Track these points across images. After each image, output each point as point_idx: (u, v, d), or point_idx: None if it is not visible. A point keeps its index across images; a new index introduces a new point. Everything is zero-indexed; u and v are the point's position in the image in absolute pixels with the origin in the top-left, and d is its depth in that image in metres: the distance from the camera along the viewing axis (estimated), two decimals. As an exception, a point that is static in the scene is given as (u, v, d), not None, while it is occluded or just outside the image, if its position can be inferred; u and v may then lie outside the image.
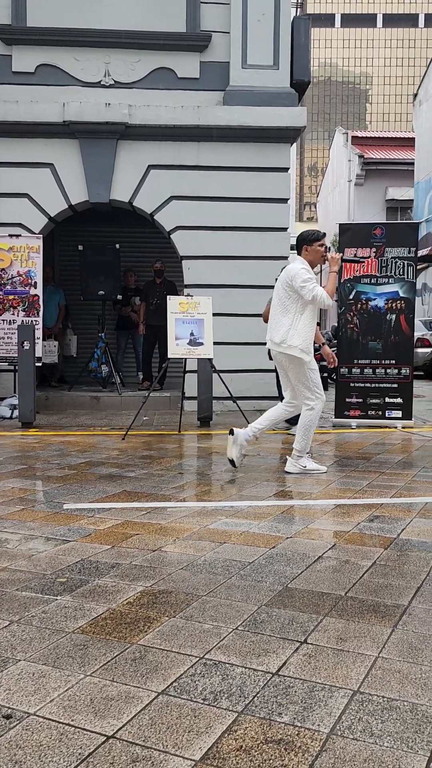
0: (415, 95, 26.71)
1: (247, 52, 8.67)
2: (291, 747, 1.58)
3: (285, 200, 8.92)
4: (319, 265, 5.19)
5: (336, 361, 5.61)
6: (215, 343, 7.04)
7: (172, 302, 6.85)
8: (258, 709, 1.75)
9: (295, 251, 5.03)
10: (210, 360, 6.97)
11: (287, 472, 4.87)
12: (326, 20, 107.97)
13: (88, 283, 9.14)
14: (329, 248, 5.21)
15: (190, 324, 6.80)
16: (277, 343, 4.83)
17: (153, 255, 10.30)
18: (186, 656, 2.04)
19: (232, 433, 4.87)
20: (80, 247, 9.15)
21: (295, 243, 5.10)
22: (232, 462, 4.90)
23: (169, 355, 6.86)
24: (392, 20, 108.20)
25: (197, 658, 2.02)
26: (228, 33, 8.67)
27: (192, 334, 6.78)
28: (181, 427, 7.03)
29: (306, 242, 4.90)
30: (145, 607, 2.40)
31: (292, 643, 2.12)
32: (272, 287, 7.86)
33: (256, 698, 1.80)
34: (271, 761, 1.53)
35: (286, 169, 8.90)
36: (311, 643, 2.12)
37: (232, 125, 8.53)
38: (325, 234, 5.12)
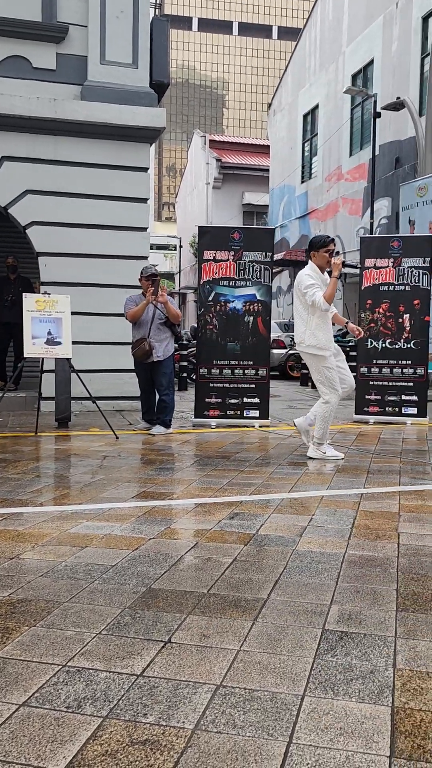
0: (270, 105, 27.70)
1: (105, 48, 8.56)
2: (156, 746, 1.60)
3: (144, 200, 8.91)
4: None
5: (361, 333, 5.65)
6: (74, 342, 6.90)
7: (29, 300, 6.63)
8: (123, 712, 1.74)
9: (306, 255, 5.57)
10: (68, 359, 6.83)
11: (309, 457, 5.43)
12: (183, 23, 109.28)
13: None
14: (338, 253, 5.57)
15: (47, 323, 6.61)
16: (297, 343, 5.46)
17: (6, 250, 9.91)
18: (48, 665, 1.99)
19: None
20: None
21: (307, 248, 5.53)
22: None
23: (26, 355, 6.64)
24: (247, 29, 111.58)
25: (60, 666, 1.99)
26: (86, 27, 8.52)
27: (50, 333, 6.60)
28: (38, 429, 6.83)
29: (314, 248, 5.37)
30: (3, 618, 2.32)
31: (156, 643, 2.14)
32: (132, 287, 7.90)
33: (120, 701, 1.80)
34: (137, 763, 1.54)
35: (145, 169, 8.90)
36: (175, 642, 2.14)
37: (91, 121, 8.39)
38: (333, 239, 5.48)
